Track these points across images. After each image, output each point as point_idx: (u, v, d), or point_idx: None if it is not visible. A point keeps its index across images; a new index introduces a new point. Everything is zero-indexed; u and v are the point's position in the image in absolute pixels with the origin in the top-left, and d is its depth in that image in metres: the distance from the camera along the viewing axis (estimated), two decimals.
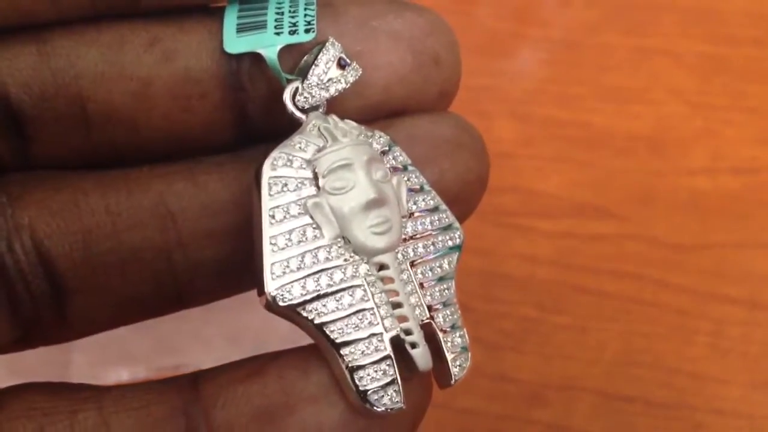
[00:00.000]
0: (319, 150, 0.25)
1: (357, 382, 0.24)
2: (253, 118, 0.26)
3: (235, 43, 0.25)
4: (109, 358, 0.28)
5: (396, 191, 0.25)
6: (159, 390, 0.24)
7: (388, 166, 0.25)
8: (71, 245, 0.24)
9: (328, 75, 0.26)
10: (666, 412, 0.39)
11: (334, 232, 0.24)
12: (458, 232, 0.26)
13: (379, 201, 0.24)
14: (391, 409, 0.24)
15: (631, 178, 0.45)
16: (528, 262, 0.42)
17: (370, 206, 0.24)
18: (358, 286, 0.24)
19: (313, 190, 0.25)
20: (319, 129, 0.25)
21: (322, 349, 0.24)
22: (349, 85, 0.26)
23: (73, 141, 0.24)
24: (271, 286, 0.24)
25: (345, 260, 0.24)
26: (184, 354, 0.28)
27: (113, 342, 0.38)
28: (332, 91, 0.26)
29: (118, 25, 0.25)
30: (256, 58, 0.25)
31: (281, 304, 0.24)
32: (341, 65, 0.26)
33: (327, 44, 0.25)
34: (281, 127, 0.25)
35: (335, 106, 0.26)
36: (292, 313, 0.24)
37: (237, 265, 0.25)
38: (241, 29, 0.25)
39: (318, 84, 0.25)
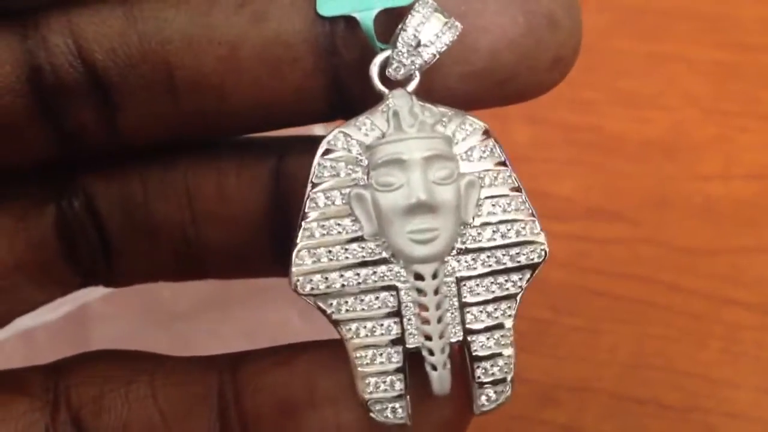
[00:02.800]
0: (381, 137, 0.23)
1: (362, 388, 0.23)
2: (347, 86, 0.24)
3: (328, 4, 0.23)
4: None
5: (463, 194, 0.23)
6: (202, 367, 0.25)
7: (470, 162, 0.23)
8: (112, 207, 0.25)
9: (419, 38, 0.23)
10: (678, 415, 0.39)
11: (373, 230, 0.23)
12: (539, 248, 0.23)
13: (426, 206, 0.22)
14: (393, 423, 0.23)
15: (645, 182, 0.45)
16: None
17: (413, 210, 0.22)
18: (387, 290, 0.23)
19: (363, 179, 0.23)
20: (389, 112, 0.23)
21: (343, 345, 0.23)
22: (445, 46, 0.23)
23: (161, 110, 0.24)
24: (294, 272, 0.23)
25: (378, 261, 0.23)
26: (201, 350, 0.28)
27: (129, 338, 0.38)
28: (426, 56, 0.23)
29: None
30: (350, 22, 0.23)
31: (300, 292, 0.23)
32: (440, 21, 0.23)
33: (416, 5, 0.23)
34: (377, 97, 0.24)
35: (434, 74, 0.23)
36: (312, 303, 0.23)
37: (247, 253, 0.25)
38: None
39: (408, 51, 0.23)
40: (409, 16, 0.23)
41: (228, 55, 0.23)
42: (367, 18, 0.23)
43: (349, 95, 0.24)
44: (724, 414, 0.39)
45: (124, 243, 0.26)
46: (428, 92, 0.23)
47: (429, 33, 0.23)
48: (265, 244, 0.26)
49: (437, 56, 0.23)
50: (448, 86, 0.23)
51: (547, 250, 0.23)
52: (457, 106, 0.23)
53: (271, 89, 0.23)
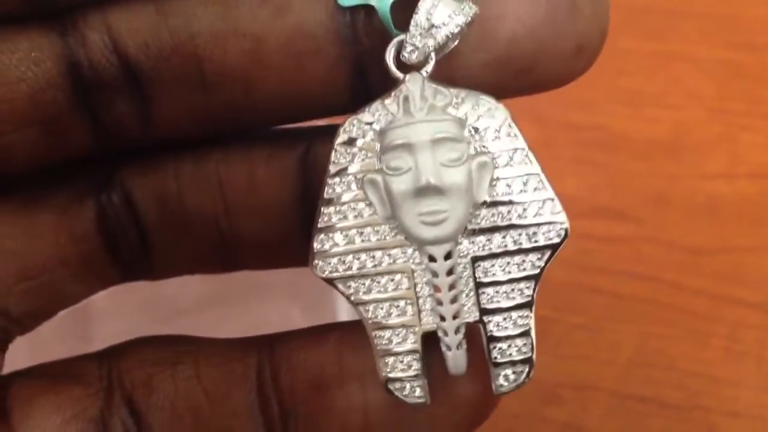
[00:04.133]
0: (391, 121, 0.23)
1: (382, 366, 0.23)
2: (370, 76, 0.24)
3: None
4: None
5: (474, 175, 0.23)
6: (242, 347, 0.26)
7: (485, 142, 0.23)
8: (148, 201, 0.26)
9: (432, 21, 0.23)
10: (680, 414, 0.39)
11: (386, 213, 0.23)
12: (557, 227, 0.23)
13: (434, 188, 0.22)
14: (412, 402, 0.23)
15: (648, 181, 0.45)
16: None
17: (421, 193, 0.22)
18: (401, 272, 0.23)
19: (377, 163, 0.23)
20: (400, 97, 0.23)
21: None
22: (458, 28, 0.23)
23: (192, 102, 0.24)
24: (313, 255, 0.23)
25: (393, 244, 0.23)
26: None
27: (132, 334, 0.38)
28: (439, 38, 0.23)
29: None
30: (369, 12, 0.23)
31: (320, 274, 0.23)
32: (453, 2, 0.23)
33: None
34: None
35: (454, 61, 0.23)
36: (332, 285, 0.23)
37: (279, 243, 0.26)
38: None
39: (421, 34, 0.23)
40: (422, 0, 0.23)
41: (253, 48, 0.23)
42: (384, 5, 0.23)
43: (372, 85, 0.24)
44: (727, 413, 0.39)
45: (160, 236, 0.26)
46: (450, 81, 0.23)
47: (442, 15, 0.23)
48: (295, 232, 0.26)
49: (451, 38, 0.23)
50: (469, 74, 0.23)
51: (568, 229, 0.23)
52: None
53: (296, 81, 0.24)
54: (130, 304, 0.39)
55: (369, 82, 0.24)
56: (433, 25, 0.23)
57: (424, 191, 0.22)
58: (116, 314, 0.39)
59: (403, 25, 0.23)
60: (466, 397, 0.24)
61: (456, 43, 0.23)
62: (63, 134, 0.24)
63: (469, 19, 0.23)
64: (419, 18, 0.23)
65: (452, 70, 0.23)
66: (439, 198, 0.22)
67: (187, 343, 0.27)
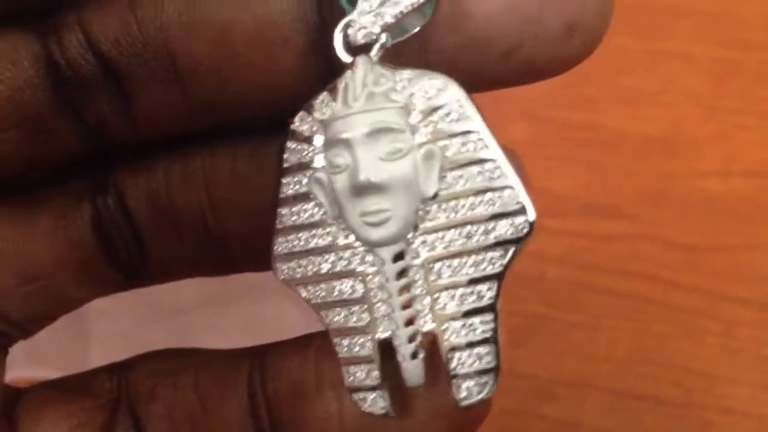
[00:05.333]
0: (333, 113, 0.21)
1: (345, 375, 0.22)
2: (340, 65, 0.22)
3: None
4: (127, 350, 0.29)
5: (420, 167, 0.21)
6: (237, 356, 0.26)
7: (434, 127, 0.20)
8: (139, 201, 0.26)
9: None
10: (676, 410, 0.39)
11: (335, 213, 0.21)
12: (518, 220, 0.20)
13: (372, 186, 0.20)
14: (377, 413, 0.22)
15: (644, 179, 0.45)
16: (538, 261, 0.42)
17: (361, 192, 0.20)
18: (355, 276, 0.21)
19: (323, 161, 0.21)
20: (341, 85, 0.21)
21: None
22: (412, 6, 0.20)
23: (171, 99, 0.24)
24: (273, 258, 0.22)
25: (345, 246, 0.21)
26: (201, 345, 0.29)
27: (129, 333, 0.38)
28: (389, 16, 0.21)
29: None
30: None
31: (280, 278, 0.22)
32: None
33: None
34: None
35: (428, 45, 0.21)
36: (293, 289, 0.22)
37: (265, 240, 0.25)
38: None
39: (369, 10, 0.21)
40: None
41: (220, 38, 0.23)
42: None
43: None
44: (722, 410, 0.39)
45: (153, 235, 0.26)
46: (427, 66, 0.21)
47: None
48: None
49: (406, 17, 0.21)
50: (446, 59, 0.21)
51: (532, 221, 0.20)
52: (466, 84, 0.21)
53: (267, 72, 0.23)
54: (127, 303, 0.39)
55: (340, 71, 0.22)
56: (386, 2, 0.21)
57: (364, 189, 0.20)
58: (113, 314, 0.39)
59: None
60: (439, 409, 0.22)
61: (422, 24, 0.21)
62: (47, 134, 0.24)
63: None
64: None
65: (427, 53, 0.21)
66: (380, 195, 0.20)
67: (191, 354, 0.27)
